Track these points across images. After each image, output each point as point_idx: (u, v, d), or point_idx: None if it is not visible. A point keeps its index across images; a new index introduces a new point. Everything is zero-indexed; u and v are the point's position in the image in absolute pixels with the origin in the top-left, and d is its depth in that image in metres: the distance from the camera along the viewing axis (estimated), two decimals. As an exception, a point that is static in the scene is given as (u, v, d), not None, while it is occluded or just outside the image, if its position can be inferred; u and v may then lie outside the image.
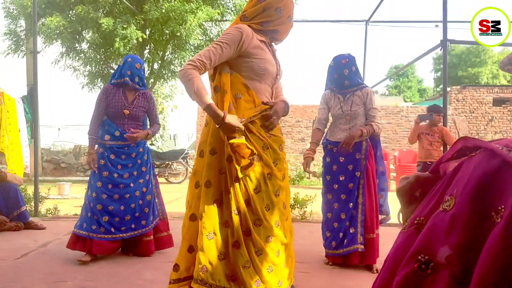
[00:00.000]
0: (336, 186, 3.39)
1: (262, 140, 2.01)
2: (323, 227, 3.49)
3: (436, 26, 10.82)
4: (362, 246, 3.20)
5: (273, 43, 2.22)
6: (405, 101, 30.40)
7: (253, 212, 1.96)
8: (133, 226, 3.49)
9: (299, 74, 68.35)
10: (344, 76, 3.36)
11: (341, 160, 3.39)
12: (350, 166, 3.35)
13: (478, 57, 30.28)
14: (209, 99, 1.91)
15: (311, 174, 13.43)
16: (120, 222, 3.45)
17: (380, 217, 3.47)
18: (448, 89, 16.82)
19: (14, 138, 6.28)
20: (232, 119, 1.89)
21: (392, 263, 0.83)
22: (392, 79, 37.61)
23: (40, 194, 5.86)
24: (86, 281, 2.93)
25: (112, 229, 3.42)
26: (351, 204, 3.30)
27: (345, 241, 3.26)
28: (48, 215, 5.69)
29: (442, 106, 5.41)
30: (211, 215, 1.94)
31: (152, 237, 3.62)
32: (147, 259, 3.51)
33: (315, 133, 3.57)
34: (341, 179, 3.37)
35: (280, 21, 2.09)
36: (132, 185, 3.50)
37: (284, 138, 2.19)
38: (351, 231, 3.26)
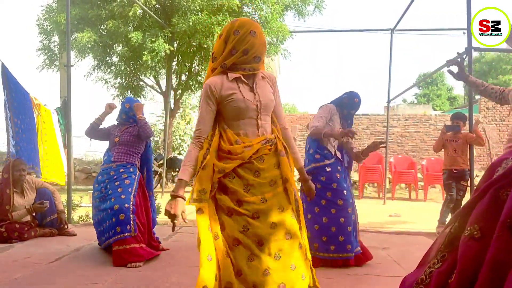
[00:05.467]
0: (330, 193, 3.60)
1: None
2: (314, 235, 3.55)
3: (464, 33, 10.67)
4: (360, 249, 3.64)
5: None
6: (435, 110, 29.87)
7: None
8: (118, 229, 3.71)
9: (324, 83, 68.18)
10: (353, 115, 3.89)
11: (339, 169, 3.72)
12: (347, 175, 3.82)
13: (508, 64, 29.51)
14: (182, 175, 2.15)
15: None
16: (107, 228, 3.81)
17: None
18: (478, 97, 16.48)
19: (50, 148, 6.55)
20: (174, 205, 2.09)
21: None
22: (420, 87, 37.04)
23: (72, 202, 6.09)
24: (116, 283, 3.05)
25: (103, 238, 3.89)
26: (350, 209, 3.59)
27: (349, 246, 3.51)
28: (80, 222, 5.90)
29: (468, 113, 5.35)
30: None
31: (128, 246, 3.68)
32: (174, 263, 3.62)
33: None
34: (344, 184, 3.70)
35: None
36: (110, 192, 3.89)
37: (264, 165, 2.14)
38: (355, 234, 3.60)
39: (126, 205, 3.76)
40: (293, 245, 2.07)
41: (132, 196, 3.86)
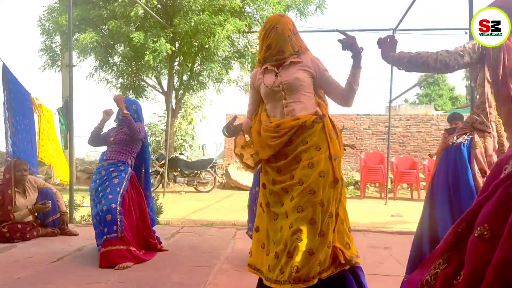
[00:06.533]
0: None
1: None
2: None
3: (466, 33, 10.65)
4: None
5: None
6: (436, 110, 29.82)
7: None
8: (105, 230, 3.66)
9: (327, 84, 67.93)
10: None
11: None
12: None
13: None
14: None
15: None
16: (101, 231, 3.75)
17: None
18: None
19: (57, 146, 6.63)
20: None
21: None
22: (422, 87, 37.00)
23: (74, 202, 6.09)
24: (118, 283, 3.06)
25: (99, 241, 3.82)
26: None
27: None
28: (82, 221, 5.91)
29: (469, 114, 5.34)
30: None
31: (114, 247, 3.59)
32: (176, 263, 3.62)
33: None
34: None
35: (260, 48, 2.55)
36: (101, 195, 3.84)
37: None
38: None
39: (113, 205, 3.69)
40: (305, 217, 2.22)
41: (119, 196, 3.77)
